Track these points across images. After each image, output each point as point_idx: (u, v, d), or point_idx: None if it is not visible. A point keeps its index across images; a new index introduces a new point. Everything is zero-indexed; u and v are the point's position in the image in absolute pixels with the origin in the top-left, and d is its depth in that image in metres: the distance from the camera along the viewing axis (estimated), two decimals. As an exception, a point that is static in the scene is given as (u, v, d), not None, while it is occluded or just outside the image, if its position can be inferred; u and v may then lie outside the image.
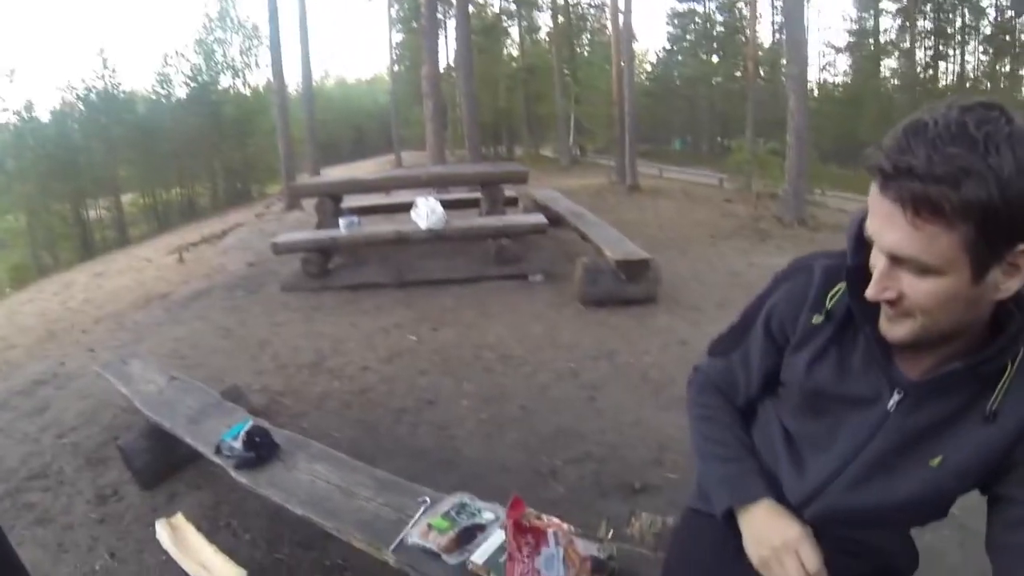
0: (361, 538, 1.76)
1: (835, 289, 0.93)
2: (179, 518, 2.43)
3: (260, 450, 2.19)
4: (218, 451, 2.25)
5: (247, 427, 2.29)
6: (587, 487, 2.76)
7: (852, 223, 0.87)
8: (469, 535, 1.67)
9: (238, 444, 2.20)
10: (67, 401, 3.74)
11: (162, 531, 2.34)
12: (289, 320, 5.15)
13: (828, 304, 0.93)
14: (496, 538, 1.61)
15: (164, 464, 2.87)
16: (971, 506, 0.99)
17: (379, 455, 2.94)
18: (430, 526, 1.69)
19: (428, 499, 1.89)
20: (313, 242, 6.15)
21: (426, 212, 5.92)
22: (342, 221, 6.16)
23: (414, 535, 1.67)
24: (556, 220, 6.81)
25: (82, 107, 27.77)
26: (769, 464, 1.05)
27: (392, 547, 1.68)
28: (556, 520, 1.58)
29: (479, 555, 1.57)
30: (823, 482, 0.95)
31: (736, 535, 1.00)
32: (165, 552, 2.26)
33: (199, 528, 2.40)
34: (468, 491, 1.88)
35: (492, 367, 4.04)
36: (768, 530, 0.96)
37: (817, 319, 0.94)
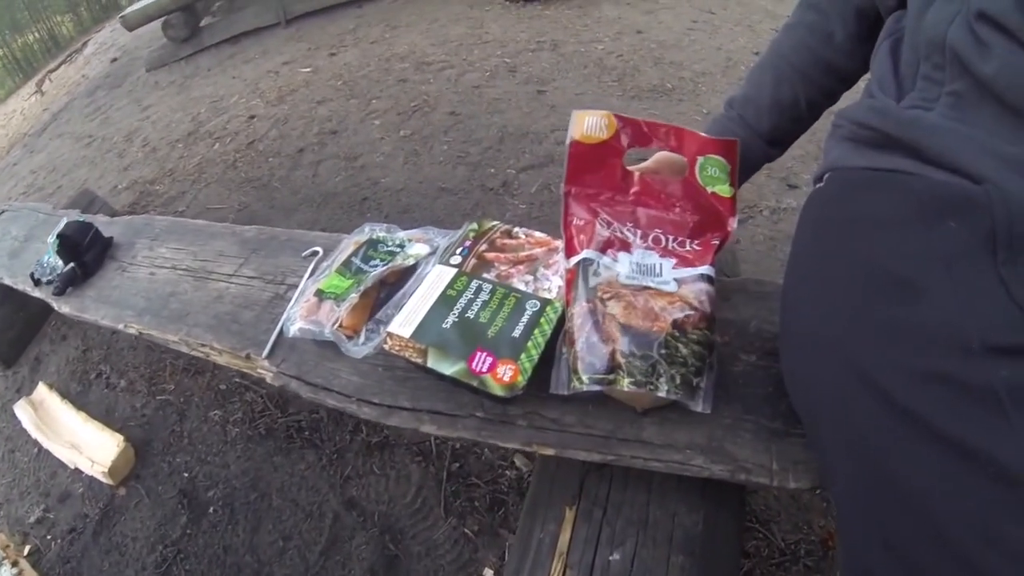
0: (220, 346, 1.09)
1: None
2: (41, 390, 1.91)
3: (84, 256, 1.47)
4: (36, 281, 1.51)
5: (58, 229, 1.51)
6: (556, 198, 2.04)
7: None
8: (389, 293, 0.98)
9: (55, 260, 1.48)
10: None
11: (23, 414, 1.84)
12: (159, 99, 4.14)
13: None
14: (436, 274, 0.89)
15: (20, 327, 2.22)
16: None
17: (275, 215, 2.23)
18: (321, 294, 0.98)
19: (319, 249, 1.18)
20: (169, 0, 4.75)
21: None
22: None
23: (296, 320, 0.98)
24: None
25: None
26: None
27: (266, 353, 1.01)
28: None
29: (403, 318, 0.83)
30: None
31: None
32: (36, 442, 1.76)
33: (67, 393, 1.88)
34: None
35: (407, 77, 3.15)
36: None
37: None
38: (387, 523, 1.32)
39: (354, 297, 0.94)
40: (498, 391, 0.75)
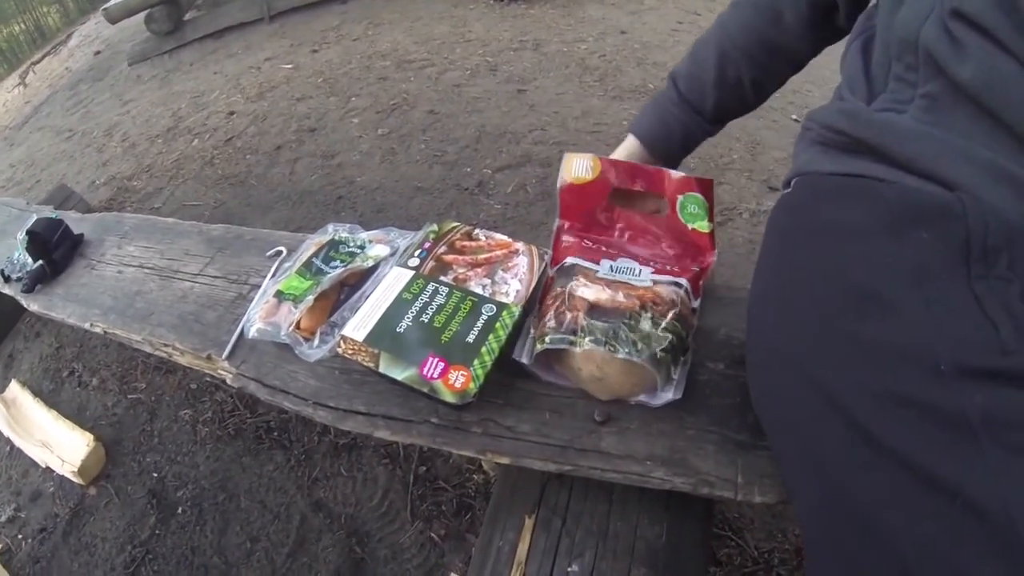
0: (183, 346, 1.09)
1: None
2: (12, 388, 1.90)
3: (53, 253, 1.45)
4: (6, 278, 1.50)
5: (28, 226, 1.50)
6: (531, 198, 2.05)
7: None
8: (348, 295, 0.99)
9: (24, 257, 1.47)
10: None
11: None
12: (141, 94, 4.10)
13: None
14: (394, 277, 0.89)
15: None
16: None
17: (250, 213, 2.22)
18: (280, 295, 0.98)
19: (283, 249, 1.18)
20: (152, -8, 4.69)
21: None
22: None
23: (256, 321, 0.98)
24: None
25: None
26: None
27: (226, 354, 1.01)
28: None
29: (358, 322, 0.83)
30: None
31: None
32: (8, 441, 1.75)
33: (39, 391, 1.87)
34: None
35: (387, 75, 3.14)
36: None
37: None
38: (354, 526, 1.32)
39: (310, 299, 0.94)
40: (449, 397, 0.74)
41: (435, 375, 0.76)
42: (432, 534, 1.27)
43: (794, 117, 2.50)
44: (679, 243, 0.86)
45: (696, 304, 0.80)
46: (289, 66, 3.64)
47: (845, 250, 0.52)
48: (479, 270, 0.89)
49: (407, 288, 0.86)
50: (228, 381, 1.00)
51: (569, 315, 0.73)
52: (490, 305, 0.82)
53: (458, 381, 0.75)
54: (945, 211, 0.47)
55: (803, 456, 0.50)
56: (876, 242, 0.50)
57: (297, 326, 0.93)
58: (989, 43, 0.46)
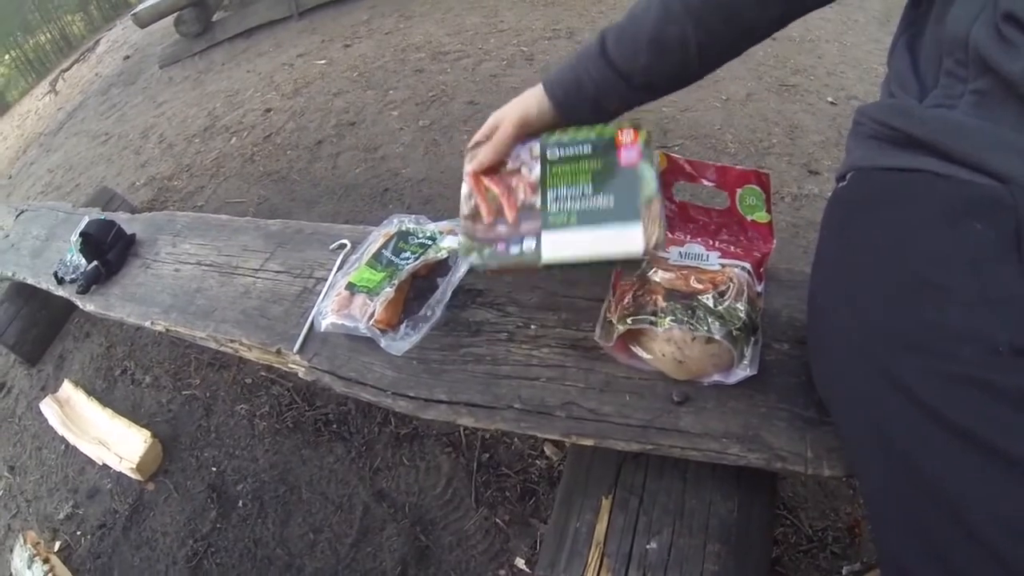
0: (250, 341, 1.08)
1: None
2: (66, 387, 1.91)
3: (107, 254, 1.46)
4: (59, 280, 1.51)
5: (80, 227, 1.51)
6: None
7: None
8: (425, 288, 0.96)
9: (78, 258, 1.47)
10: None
11: (49, 411, 1.84)
12: (174, 95, 4.14)
13: None
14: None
15: (43, 325, 2.22)
16: None
17: (295, 208, 2.22)
18: (352, 288, 0.96)
19: (347, 242, 1.16)
20: (181, -5, 4.73)
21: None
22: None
23: (328, 314, 0.96)
24: None
25: None
26: None
27: (297, 347, 0.99)
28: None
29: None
30: None
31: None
32: (63, 439, 1.76)
33: (92, 390, 1.88)
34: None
35: (424, 67, 3.11)
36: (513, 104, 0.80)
37: None
38: (417, 514, 1.31)
39: (389, 291, 0.91)
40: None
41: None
42: (497, 520, 1.26)
43: (830, 100, 2.43)
44: (741, 234, 0.89)
45: (760, 288, 0.82)
46: (323, 62, 3.63)
47: (904, 241, 0.55)
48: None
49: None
50: (301, 374, 0.98)
51: (648, 298, 0.74)
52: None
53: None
54: (997, 202, 0.50)
55: (870, 436, 0.52)
56: (933, 232, 0.53)
57: (375, 318, 0.90)
58: None
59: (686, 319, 0.70)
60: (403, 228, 1.06)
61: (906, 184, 0.58)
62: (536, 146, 0.80)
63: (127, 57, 5.96)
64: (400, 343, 0.89)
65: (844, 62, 2.67)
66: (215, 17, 5.09)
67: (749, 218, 0.87)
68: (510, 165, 0.81)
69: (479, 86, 2.83)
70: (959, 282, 0.49)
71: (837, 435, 0.68)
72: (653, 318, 0.72)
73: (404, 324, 0.91)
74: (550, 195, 0.76)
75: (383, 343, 0.90)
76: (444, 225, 1.06)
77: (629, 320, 0.74)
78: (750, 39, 0.70)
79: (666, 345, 0.73)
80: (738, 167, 0.85)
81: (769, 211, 0.86)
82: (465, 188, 0.83)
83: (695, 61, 0.70)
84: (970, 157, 0.52)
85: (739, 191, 0.85)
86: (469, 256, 0.78)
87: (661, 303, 0.73)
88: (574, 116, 0.79)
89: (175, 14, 4.77)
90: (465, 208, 0.82)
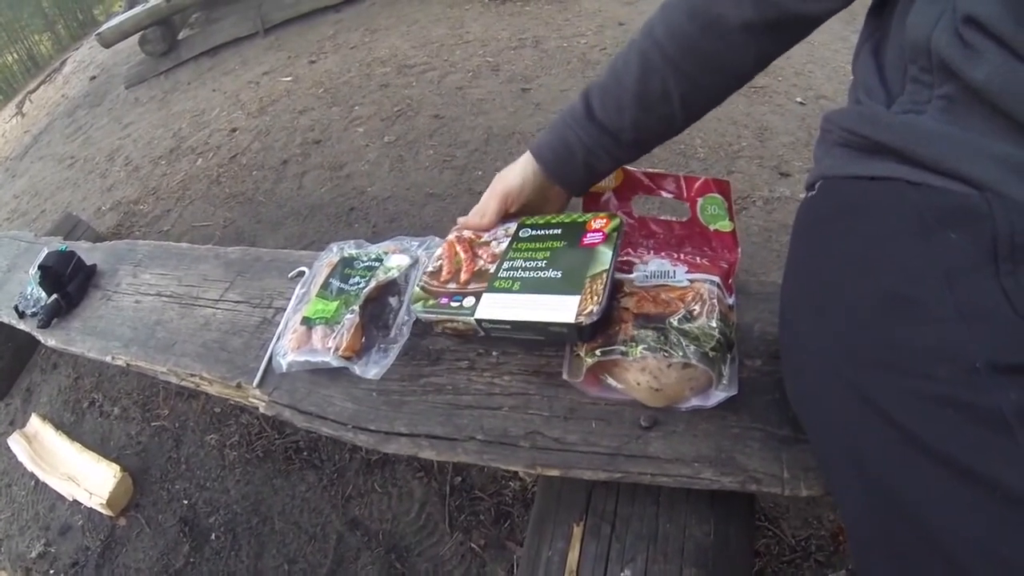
0: (210, 375, 1.06)
1: None
2: (34, 422, 1.88)
3: (67, 287, 1.43)
4: (20, 314, 1.48)
5: (39, 260, 1.48)
6: None
7: None
8: (376, 311, 0.96)
9: (38, 291, 1.45)
10: None
11: (18, 448, 1.81)
12: (140, 116, 4.09)
13: None
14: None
15: (9, 357, 2.18)
16: None
17: (261, 231, 2.19)
18: (308, 322, 0.95)
19: (305, 269, 1.15)
20: (146, 14, 4.67)
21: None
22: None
23: (287, 353, 0.95)
24: None
25: None
26: None
27: (256, 381, 0.98)
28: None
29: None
30: None
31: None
32: (33, 475, 1.73)
33: (61, 423, 1.86)
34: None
35: (389, 82, 3.11)
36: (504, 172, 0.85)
37: None
38: (392, 541, 1.30)
39: (352, 317, 0.91)
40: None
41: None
42: (472, 544, 1.25)
43: (799, 100, 2.46)
44: (704, 245, 0.86)
45: (731, 301, 0.79)
46: (288, 78, 3.61)
47: (875, 253, 0.52)
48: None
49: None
50: (261, 409, 0.97)
51: (616, 327, 0.72)
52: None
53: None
54: (971, 211, 0.48)
55: (845, 458, 0.51)
56: (905, 244, 0.50)
57: (341, 348, 0.90)
58: (1004, 50, 0.47)
59: (659, 346, 0.68)
60: (345, 255, 1.06)
61: (876, 193, 0.55)
62: (513, 226, 0.85)
63: (93, 78, 5.88)
64: (373, 367, 0.88)
65: (812, 61, 2.71)
66: (180, 35, 5.04)
67: (712, 228, 0.84)
68: (485, 237, 0.86)
69: (444, 99, 2.83)
70: (933, 296, 0.46)
71: (813, 454, 0.66)
72: (624, 347, 0.69)
73: (375, 348, 0.91)
74: (505, 264, 0.79)
75: (357, 370, 0.89)
76: (388, 245, 1.06)
77: (599, 352, 0.71)
78: (731, 83, 0.70)
79: (640, 375, 0.70)
80: (697, 176, 0.83)
81: (732, 219, 0.83)
82: (438, 251, 0.88)
83: (679, 113, 0.71)
84: (942, 164, 0.51)
85: (700, 200, 0.83)
86: (415, 305, 0.82)
87: (631, 331, 0.70)
88: (564, 178, 0.81)
89: (140, 33, 4.72)
90: (431, 266, 0.87)
